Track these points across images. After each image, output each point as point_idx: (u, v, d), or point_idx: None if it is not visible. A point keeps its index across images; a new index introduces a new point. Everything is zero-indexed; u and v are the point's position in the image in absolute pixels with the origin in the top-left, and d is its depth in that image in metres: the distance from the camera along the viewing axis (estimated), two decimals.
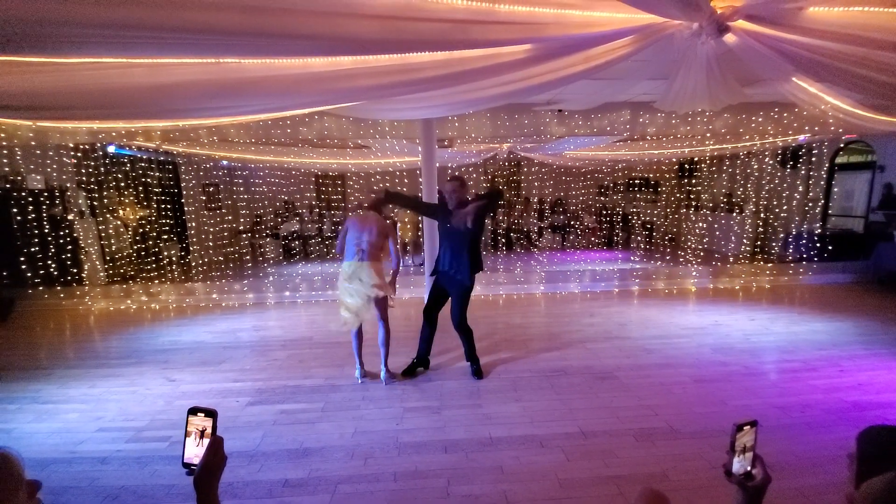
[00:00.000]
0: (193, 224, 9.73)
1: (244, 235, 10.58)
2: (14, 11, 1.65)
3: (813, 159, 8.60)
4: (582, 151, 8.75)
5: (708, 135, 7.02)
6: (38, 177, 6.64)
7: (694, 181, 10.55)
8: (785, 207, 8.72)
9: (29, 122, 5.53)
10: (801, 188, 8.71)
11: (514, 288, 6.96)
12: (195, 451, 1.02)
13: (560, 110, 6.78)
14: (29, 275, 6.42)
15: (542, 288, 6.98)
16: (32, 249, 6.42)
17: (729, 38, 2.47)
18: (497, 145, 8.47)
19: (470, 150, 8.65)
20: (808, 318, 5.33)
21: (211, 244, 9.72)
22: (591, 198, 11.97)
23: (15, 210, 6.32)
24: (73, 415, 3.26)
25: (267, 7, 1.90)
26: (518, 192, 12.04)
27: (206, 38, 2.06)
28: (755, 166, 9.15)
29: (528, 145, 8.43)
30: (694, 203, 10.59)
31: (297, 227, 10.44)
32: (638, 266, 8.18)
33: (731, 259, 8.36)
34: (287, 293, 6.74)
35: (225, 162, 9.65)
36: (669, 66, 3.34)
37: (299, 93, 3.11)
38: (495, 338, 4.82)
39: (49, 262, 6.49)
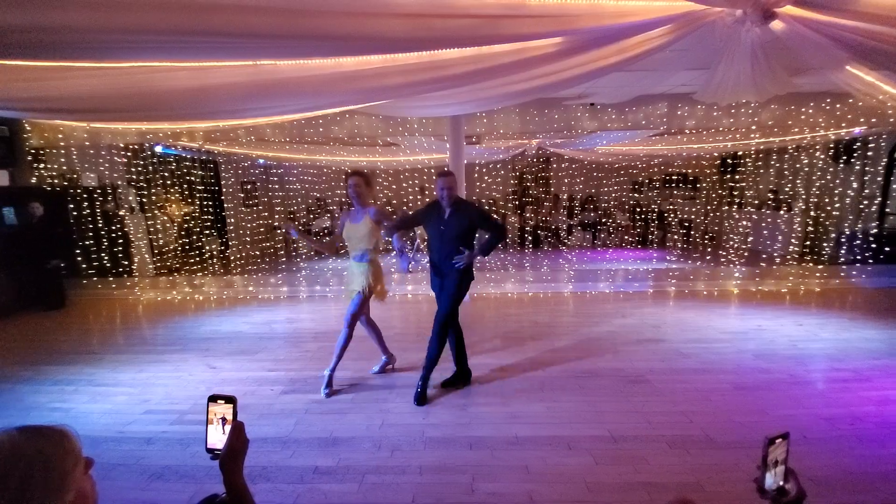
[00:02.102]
0: (232, 220, 10.17)
1: (278, 231, 10.96)
2: (72, 21, 1.77)
3: (869, 154, 7.94)
4: (615, 146, 8.48)
5: (753, 128, 6.64)
6: (92, 175, 7.13)
7: (737, 177, 10.00)
8: (837, 205, 8.12)
9: (83, 124, 5.97)
10: (855, 185, 8.07)
11: (541, 286, 6.85)
12: (217, 436, 1.06)
13: (592, 104, 6.60)
14: (84, 266, 6.92)
15: (571, 287, 6.84)
16: (87, 242, 6.91)
17: (775, 24, 2.33)
18: (526, 141, 8.35)
19: (498, 146, 8.57)
20: (860, 325, 4.96)
21: (248, 239, 10.13)
22: (624, 194, 11.59)
23: (71, 206, 6.82)
24: (123, 397, 3.50)
25: (301, 9, 1.95)
26: (547, 189, 11.83)
27: (245, 42, 2.14)
28: (805, 161, 8.57)
29: (559, 141, 8.26)
30: (737, 200, 10.05)
31: (327, 223, 10.70)
32: (674, 266, 7.86)
33: (778, 260, 7.88)
34: (318, 287, 6.94)
35: (261, 161, 10.03)
36: (710, 56, 3.18)
37: (331, 92, 3.19)
38: (522, 336, 4.77)
39: (102, 254, 6.97)
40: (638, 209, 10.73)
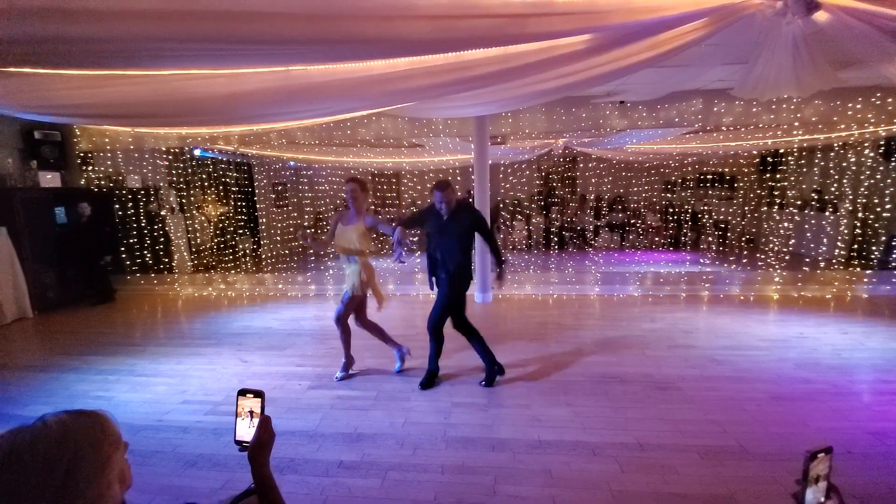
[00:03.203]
0: (264, 220, 10.53)
1: (307, 231, 11.25)
2: (117, 32, 1.88)
3: None
4: (646, 145, 8.24)
5: (795, 124, 6.30)
6: (136, 177, 7.54)
7: (778, 176, 9.50)
8: (888, 206, 7.58)
9: (128, 129, 6.32)
10: None
11: (565, 288, 6.73)
12: (245, 429, 1.10)
13: (622, 102, 6.43)
14: (128, 263, 7.33)
15: (597, 289, 6.69)
16: (131, 241, 7.31)
17: (819, 15, 2.21)
18: (552, 141, 8.23)
19: (523, 146, 8.49)
20: None
21: (279, 238, 10.45)
22: (655, 194, 11.22)
23: (117, 206, 7.24)
24: (162, 387, 3.68)
25: (329, 14, 2.00)
26: (573, 189, 11.62)
27: (277, 48, 2.22)
28: (852, 159, 8.04)
29: (586, 140, 8.09)
30: (778, 200, 9.54)
31: None
32: (709, 269, 7.56)
33: (822, 264, 7.45)
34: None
35: (292, 163, 10.33)
36: (749, 49, 3.05)
37: (360, 95, 3.25)
38: (546, 338, 4.71)
39: (145, 252, 7.37)
40: (670, 209, 10.38)
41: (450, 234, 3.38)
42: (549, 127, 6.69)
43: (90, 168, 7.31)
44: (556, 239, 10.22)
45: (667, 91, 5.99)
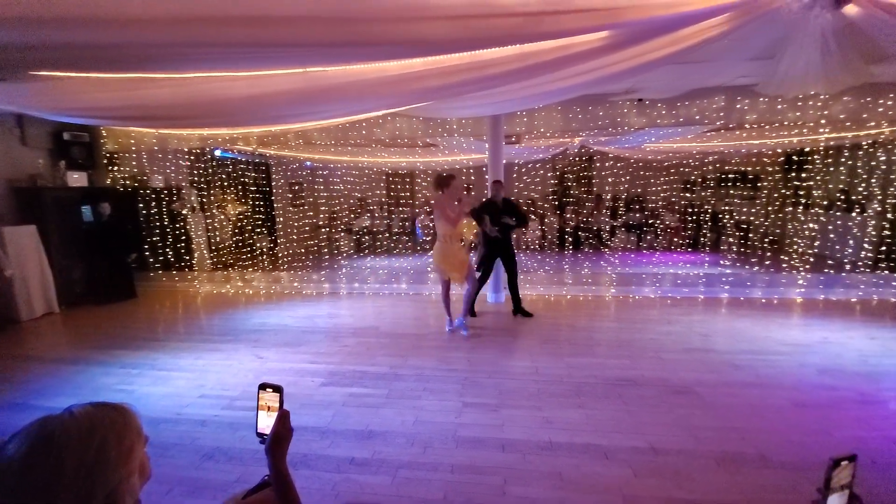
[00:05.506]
0: (281, 219, 10.71)
1: (322, 230, 11.39)
2: (142, 37, 1.94)
3: None
4: (665, 143, 8.06)
5: (822, 122, 6.07)
6: (160, 177, 7.76)
7: (804, 175, 9.17)
8: None
9: (153, 130, 6.51)
10: None
11: (580, 289, 6.64)
12: (267, 422, 1.12)
13: (640, 99, 6.31)
14: (151, 260, 7.55)
15: (613, 291, 6.58)
16: (154, 239, 7.53)
17: (849, 9, 2.13)
18: (568, 139, 8.13)
19: (538, 145, 8.41)
20: None
21: (295, 237, 10.62)
22: (674, 194, 10.97)
23: (141, 205, 7.46)
24: (181, 382, 3.78)
25: (346, 17, 2.01)
26: (589, 189, 11.46)
27: (296, 51, 2.26)
28: (882, 158, 7.71)
29: (603, 139, 7.97)
30: (803, 201, 9.23)
31: (367, 222, 10.99)
32: (729, 271, 7.37)
33: (848, 266, 7.17)
34: (357, 284, 7.14)
35: (308, 163, 10.48)
36: (774, 44, 2.95)
37: (376, 95, 3.28)
38: (559, 339, 4.66)
39: (167, 249, 7.58)
40: (689, 209, 10.14)
41: (504, 215, 5.17)
42: (564, 125, 6.61)
43: (116, 168, 7.56)
44: (570, 239, 10.11)
45: (687, 88, 5.85)
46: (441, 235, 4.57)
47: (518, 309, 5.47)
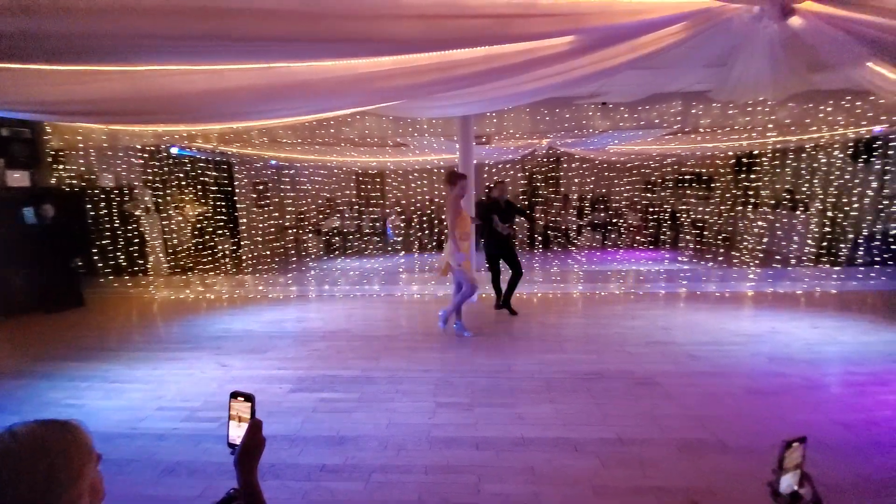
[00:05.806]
0: (244, 220, 10.31)
1: (289, 231, 11.06)
2: (89, 27, 1.81)
3: (890, 153, 7.71)
4: (627, 146, 8.39)
5: (770, 126, 6.50)
6: (110, 176, 7.29)
7: (753, 176, 9.79)
8: (856, 206, 7.91)
9: (102, 126, 6.10)
10: (874, 185, 7.85)
11: (549, 287, 6.80)
12: (238, 432, 1.08)
13: (604, 103, 6.53)
14: (101, 265, 7.07)
15: (580, 288, 6.78)
16: (104, 242, 7.06)
17: (794, 20, 2.28)
18: (536, 141, 8.31)
19: (508, 146, 8.54)
20: (880, 328, 4.82)
21: (260, 239, 10.25)
22: (636, 194, 11.43)
23: (89, 206, 6.98)
24: (137, 394, 3.57)
25: (314, 13, 1.96)
26: (556, 189, 11.74)
27: (260, 45, 2.17)
28: (823, 160, 8.36)
29: (569, 140, 8.20)
30: (752, 200, 9.84)
31: (337, 223, 10.78)
32: (686, 267, 7.74)
33: (793, 261, 7.71)
34: (326, 287, 6.99)
35: (273, 161, 10.13)
36: (727, 52, 3.12)
37: (344, 93, 3.21)
38: (529, 337, 4.75)
39: (118, 253, 7.12)
40: (650, 209, 10.59)
41: (506, 217, 5.44)
42: (533, 127, 6.75)
43: (61, 167, 7.03)
44: (540, 238, 10.32)
45: (648, 93, 6.10)
46: (453, 233, 4.42)
47: (506, 304, 5.54)
